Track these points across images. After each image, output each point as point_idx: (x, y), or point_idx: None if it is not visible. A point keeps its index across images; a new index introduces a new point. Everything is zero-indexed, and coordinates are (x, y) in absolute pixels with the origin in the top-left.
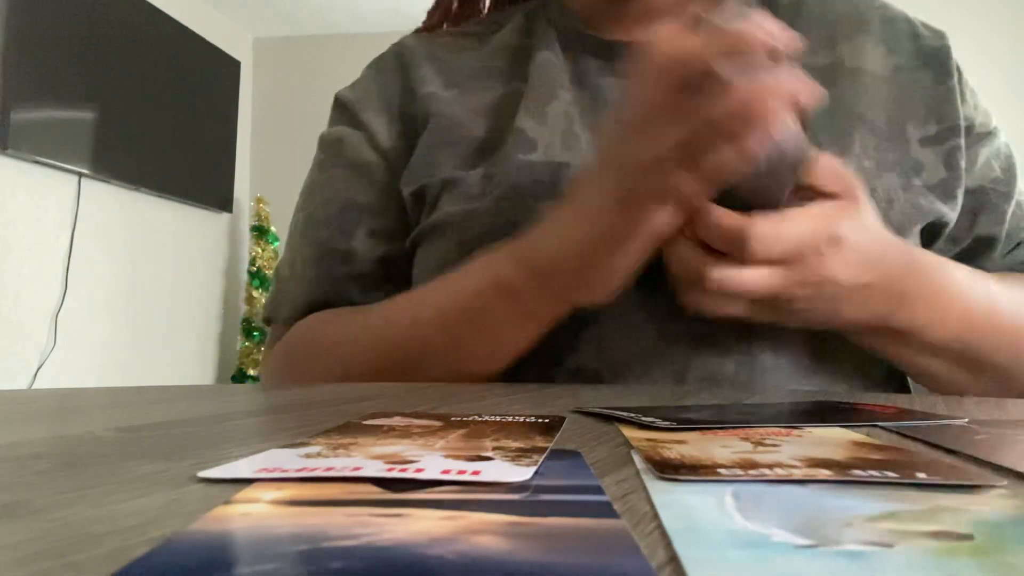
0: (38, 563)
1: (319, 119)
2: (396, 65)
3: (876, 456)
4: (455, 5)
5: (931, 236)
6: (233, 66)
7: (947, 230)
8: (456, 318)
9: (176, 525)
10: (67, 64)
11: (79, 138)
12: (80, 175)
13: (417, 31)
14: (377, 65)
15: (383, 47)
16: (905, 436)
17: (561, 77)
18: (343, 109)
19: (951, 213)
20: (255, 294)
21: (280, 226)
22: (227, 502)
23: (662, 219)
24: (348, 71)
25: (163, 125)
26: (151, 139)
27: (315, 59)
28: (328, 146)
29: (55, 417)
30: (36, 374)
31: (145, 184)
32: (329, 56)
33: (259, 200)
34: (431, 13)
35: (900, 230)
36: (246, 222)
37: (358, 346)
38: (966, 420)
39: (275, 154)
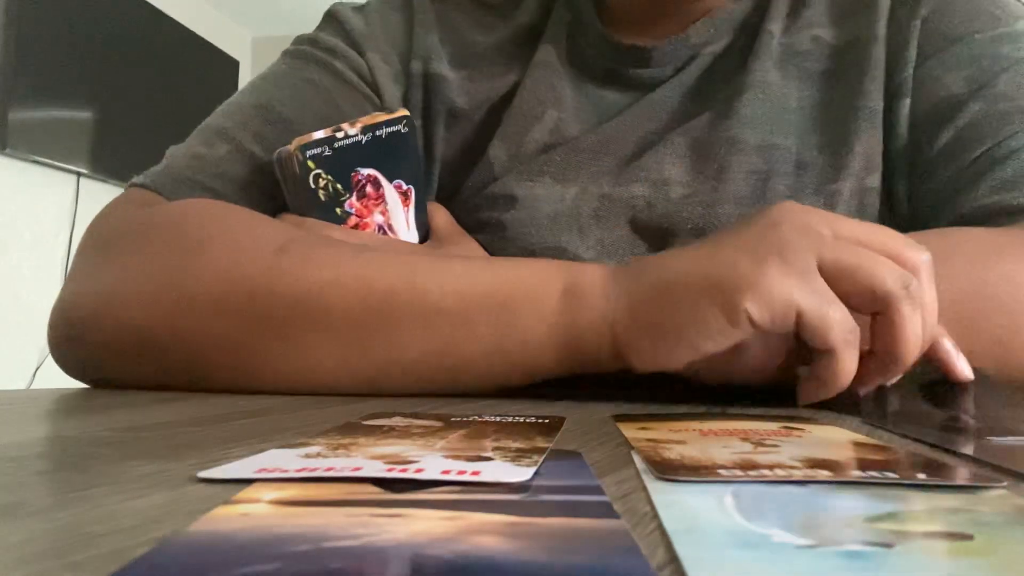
0: (38, 563)
1: None
2: (403, 16)
3: (876, 456)
4: None
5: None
6: (232, 66)
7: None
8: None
9: (176, 525)
10: (66, 64)
11: (78, 138)
12: (79, 175)
13: None
14: (390, 3)
15: None
16: (905, 436)
17: (557, 84)
18: (345, 34)
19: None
20: None
21: None
22: (227, 502)
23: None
24: None
25: (162, 124)
26: (150, 138)
27: None
28: (314, 44)
29: (55, 417)
30: (35, 374)
31: None
32: None
33: None
34: None
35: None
36: None
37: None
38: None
39: None
